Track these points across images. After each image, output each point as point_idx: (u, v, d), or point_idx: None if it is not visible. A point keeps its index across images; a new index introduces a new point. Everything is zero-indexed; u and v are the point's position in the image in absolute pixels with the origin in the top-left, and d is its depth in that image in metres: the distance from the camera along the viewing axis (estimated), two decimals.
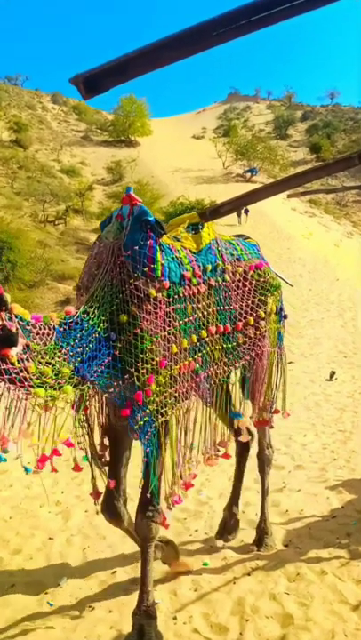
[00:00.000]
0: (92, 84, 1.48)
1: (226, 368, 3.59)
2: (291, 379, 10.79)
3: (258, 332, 3.80)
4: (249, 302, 3.75)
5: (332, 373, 10.72)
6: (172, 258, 3.23)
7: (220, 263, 3.58)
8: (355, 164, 2.38)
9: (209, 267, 3.47)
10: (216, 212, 3.31)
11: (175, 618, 3.39)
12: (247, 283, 3.78)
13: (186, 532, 4.68)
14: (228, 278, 3.60)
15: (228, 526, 4.49)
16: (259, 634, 3.21)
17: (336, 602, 3.48)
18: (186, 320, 3.20)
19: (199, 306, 3.33)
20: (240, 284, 3.71)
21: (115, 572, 4.03)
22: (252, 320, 3.73)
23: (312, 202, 44.15)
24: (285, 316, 4.28)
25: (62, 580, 3.96)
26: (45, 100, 69.89)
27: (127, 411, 2.91)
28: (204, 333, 3.33)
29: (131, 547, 4.37)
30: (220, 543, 4.45)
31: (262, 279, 3.93)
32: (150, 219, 3.10)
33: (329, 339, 14.02)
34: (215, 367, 3.49)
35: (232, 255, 3.76)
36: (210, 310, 3.40)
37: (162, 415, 3.05)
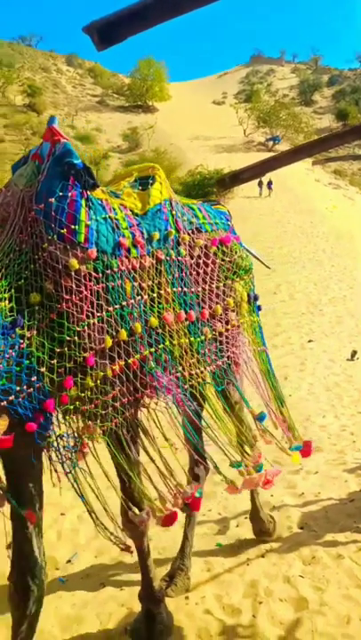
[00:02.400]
0: (107, 33, 1.40)
1: (197, 370, 2.86)
2: (311, 358, 10.82)
3: (229, 327, 3.11)
4: (213, 287, 3.03)
5: (354, 353, 10.59)
6: (104, 218, 2.48)
7: (173, 231, 2.84)
8: None
9: (156, 234, 2.73)
10: (236, 178, 3.03)
11: (187, 598, 3.43)
12: (209, 261, 3.04)
13: (199, 512, 4.71)
14: (183, 252, 2.85)
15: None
16: (272, 617, 3.23)
17: (352, 587, 3.48)
18: (124, 303, 2.48)
19: (144, 285, 2.60)
20: (201, 262, 2.99)
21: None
22: (219, 309, 3.02)
23: (337, 173, 43.35)
24: (259, 308, 3.62)
25: (73, 556, 4.03)
26: (60, 61, 69.06)
27: (33, 425, 2.16)
28: (154, 321, 2.60)
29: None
30: (233, 523, 4.47)
31: (228, 258, 3.19)
32: (76, 162, 2.40)
33: (352, 317, 13.83)
34: (182, 369, 2.78)
35: (190, 223, 3.01)
36: (162, 292, 2.68)
37: (90, 433, 2.40)
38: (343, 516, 4.50)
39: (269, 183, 31.54)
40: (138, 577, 3.66)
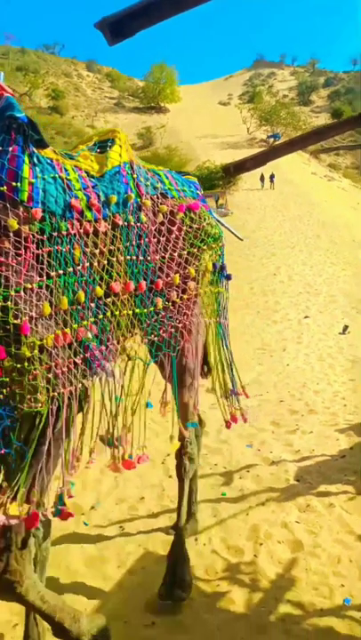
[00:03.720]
0: (118, 28, 1.35)
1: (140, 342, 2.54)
2: (307, 332, 10.77)
3: (185, 297, 2.69)
4: (175, 255, 2.64)
5: (345, 327, 10.51)
6: (54, 178, 2.12)
7: (134, 195, 2.44)
8: None
9: (114, 198, 2.33)
10: (241, 166, 2.87)
11: (197, 539, 3.47)
12: (174, 228, 2.64)
13: (206, 466, 4.74)
14: (144, 218, 2.45)
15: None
16: (271, 556, 3.26)
17: (343, 532, 3.50)
18: (70, 270, 2.10)
19: (95, 252, 2.23)
20: (164, 229, 2.59)
21: (142, 497, 4.12)
22: (177, 279, 2.63)
23: (332, 166, 42.59)
24: (229, 277, 3.16)
25: (97, 503, 4.08)
26: (81, 67, 68.00)
27: None
28: (99, 291, 2.20)
29: (157, 477, 4.47)
30: (237, 476, 4.49)
31: (196, 225, 2.78)
32: (18, 115, 2.01)
33: (344, 296, 13.70)
34: (122, 340, 2.42)
35: (155, 188, 2.62)
36: (114, 260, 2.30)
37: (24, 404, 1.91)
38: (335, 471, 4.50)
39: (272, 177, 30.98)
40: (152, 521, 3.74)
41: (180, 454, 3.10)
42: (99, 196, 2.28)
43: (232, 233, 3.66)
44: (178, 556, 2.93)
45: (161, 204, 2.60)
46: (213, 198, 26.91)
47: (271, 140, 43.02)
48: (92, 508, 4.00)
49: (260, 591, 2.91)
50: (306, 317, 11.90)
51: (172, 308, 2.62)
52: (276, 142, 41.81)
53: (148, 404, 2.60)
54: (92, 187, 2.28)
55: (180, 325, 2.68)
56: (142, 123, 46.02)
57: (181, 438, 3.03)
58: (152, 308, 2.51)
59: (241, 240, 5.03)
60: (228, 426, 3.14)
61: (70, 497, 2.18)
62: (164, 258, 2.58)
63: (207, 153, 34.88)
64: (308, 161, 42.72)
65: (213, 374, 3.08)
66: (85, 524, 3.75)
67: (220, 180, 28.25)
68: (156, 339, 2.57)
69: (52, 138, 34.71)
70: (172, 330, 2.65)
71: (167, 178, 2.79)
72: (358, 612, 2.68)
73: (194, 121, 49.06)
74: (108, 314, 2.28)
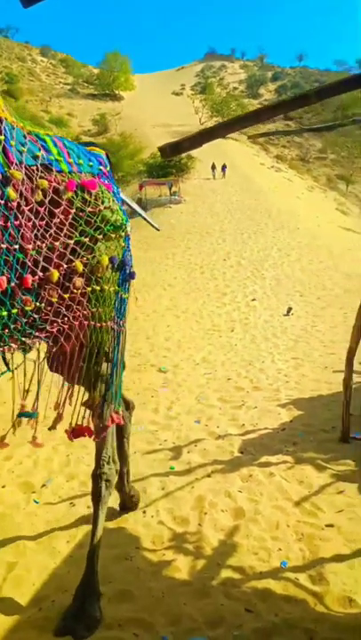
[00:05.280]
0: None
1: None
2: (254, 313, 10.91)
3: (67, 296, 2.11)
4: (57, 244, 2.04)
5: (289, 309, 10.73)
6: None
7: None
8: (311, 101, 2.14)
9: None
10: (176, 147, 2.46)
11: (145, 512, 3.45)
12: (58, 210, 2.05)
13: (156, 441, 4.72)
14: (13, 194, 1.85)
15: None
16: (215, 524, 3.28)
17: (281, 499, 3.57)
18: None
19: None
20: (43, 211, 2.00)
21: None
22: (55, 275, 2.03)
23: (278, 157, 43.05)
24: (132, 275, 2.50)
25: (48, 481, 3.98)
26: (35, 52, 65.10)
27: None
28: None
29: None
30: (185, 450, 4.50)
31: (90, 209, 2.18)
32: None
33: (288, 279, 13.97)
34: None
35: (34, 157, 2.01)
36: None
37: None
38: (276, 442, 4.59)
39: (223, 167, 30.97)
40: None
41: (95, 476, 2.58)
42: None
43: (148, 222, 3.21)
44: (88, 589, 2.42)
45: (41, 177, 1.99)
46: (167, 186, 26.70)
47: None
48: (42, 486, 3.89)
49: (204, 558, 2.92)
50: (253, 300, 12.06)
51: (46, 309, 2.05)
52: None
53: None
54: None
55: (54, 331, 2.11)
56: (97, 109, 44.78)
57: (97, 458, 2.60)
58: (17, 309, 1.92)
59: (158, 230, 4.55)
60: (68, 435, 2.55)
61: None
62: (40, 248, 1.98)
63: (161, 141, 34.09)
64: (258, 152, 42.97)
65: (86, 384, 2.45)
66: (36, 502, 3.65)
67: (173, 167, 28.00)
68: (16, 345, 2.03)
69: None
70: (45, 335, 2.10)
71: (56, 146, 2.14)
72: (293, 573, 2.74)
73: (148, 109, 48.14)
74: None
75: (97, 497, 2.57)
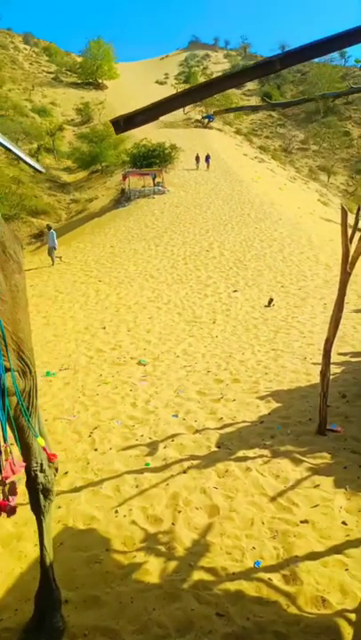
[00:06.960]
0: None
1: None
2: (235, 304, 10.78)
3: None
4: None
5: (270, 300, 10.64)
6: None
7: None
8: (275, 69, 1.97)
9: None
10: (130, 121, 2.20)
11: (117, 512, 3.33)
12: None
13: (132, 437, 4.60)
14: None
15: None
16: (188, 523, 3.18)
17: (257, 494, 3.49)
18: None
19: None
20: None
21: (67, 472, 3.92)
22: None
23: (262, 148, 42.83)
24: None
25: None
26: (17, 40, 63.37)
27: None
28: None
29: (81, 450, 4.28)
30: (162, 445, 4.39)
31: None
32: None
33: (270, 270, 13.87)
34: None
35: None
36: None
37: None
38: (254, 435, 4.50)
39: (207, 157, 30.62)
40: (74, 496, 3.55)
41: (30, 489, 2.37)
42: None
43: (30, 165, 2.79)
44: (48, 601, 2.30)
45: None
46: (151, 176, 26.32)
47: (205, 120, 42.43)
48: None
49: (176, 559, 2.82)
50: (235, 291, 11.94)
51: None
52: (210, 123, 41.38)
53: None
54: None
55: None
56: (80, 98, 43.88)
57: (27, 470, 2.33)
58: None
59: (41, 172, 3.71)
60: None
61: None
62: None
63: (144, 131, 33.78)
64: (241, 143, 42.62)
65: None
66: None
67: (156, 158, 27.63)
68: None
69: None
70: None
71: None
72: (266, 573, 2.65)
73: (131, 98, 47.30)
74: None
75: (37, 509, 2.36)
